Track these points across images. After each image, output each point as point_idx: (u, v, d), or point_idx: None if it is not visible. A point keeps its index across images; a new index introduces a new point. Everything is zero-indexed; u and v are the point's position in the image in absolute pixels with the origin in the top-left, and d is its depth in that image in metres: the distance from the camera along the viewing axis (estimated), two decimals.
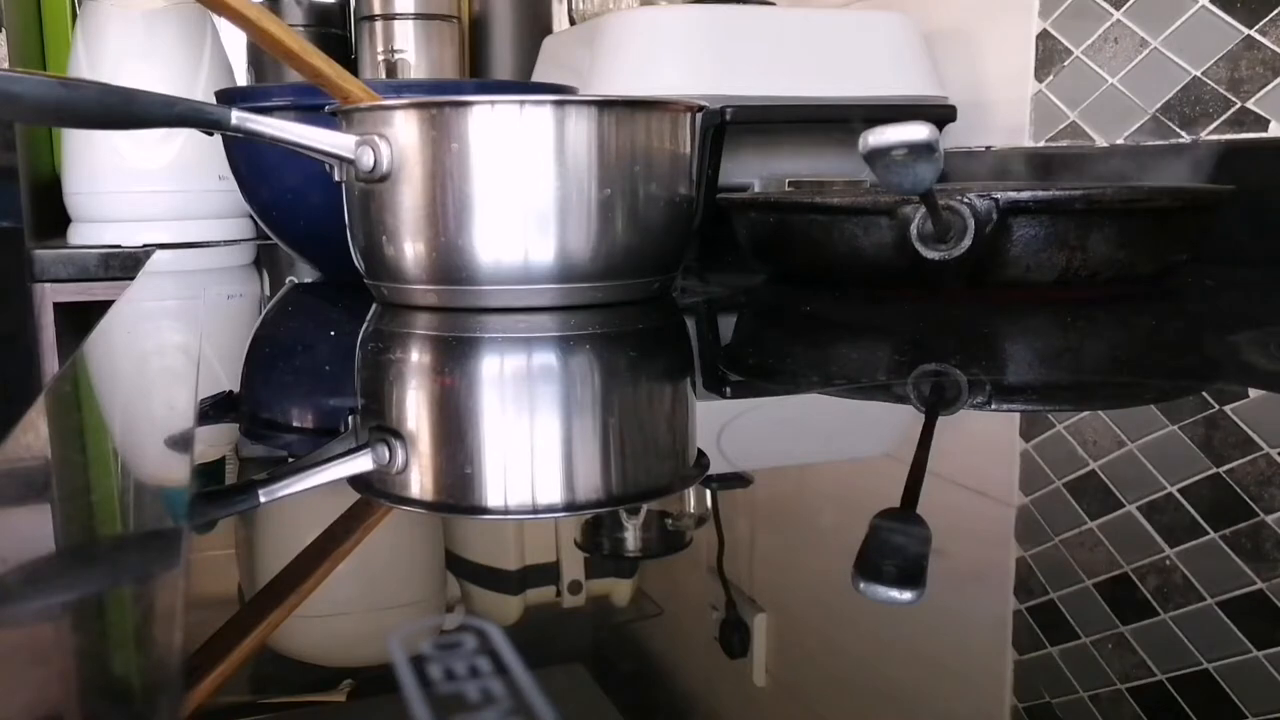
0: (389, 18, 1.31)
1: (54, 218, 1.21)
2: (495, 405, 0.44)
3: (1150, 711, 0.18)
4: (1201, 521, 0.27)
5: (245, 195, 0.84)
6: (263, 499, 0.31)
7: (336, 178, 0.64)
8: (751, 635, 0.22)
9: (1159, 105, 0.88)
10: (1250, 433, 0.36)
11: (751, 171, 0.97)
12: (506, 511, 0.31)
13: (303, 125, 0.62)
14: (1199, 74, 0.84)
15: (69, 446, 0.37)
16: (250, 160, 0.81)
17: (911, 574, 0.25)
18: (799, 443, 0.39)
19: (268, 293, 0.84)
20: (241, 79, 1.35)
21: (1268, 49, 0.79)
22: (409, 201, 0.61)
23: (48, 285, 1.09)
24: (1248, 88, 0.81)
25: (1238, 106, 0.81)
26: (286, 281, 0.88)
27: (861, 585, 0.24)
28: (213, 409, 0.43)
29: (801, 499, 0.33)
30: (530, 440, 0.39)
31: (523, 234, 0.61)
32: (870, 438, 0.40)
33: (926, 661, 0.21)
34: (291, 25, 1.21)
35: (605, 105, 0.62)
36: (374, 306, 0.67)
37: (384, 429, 0.39)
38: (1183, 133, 0.86)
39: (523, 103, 0.61)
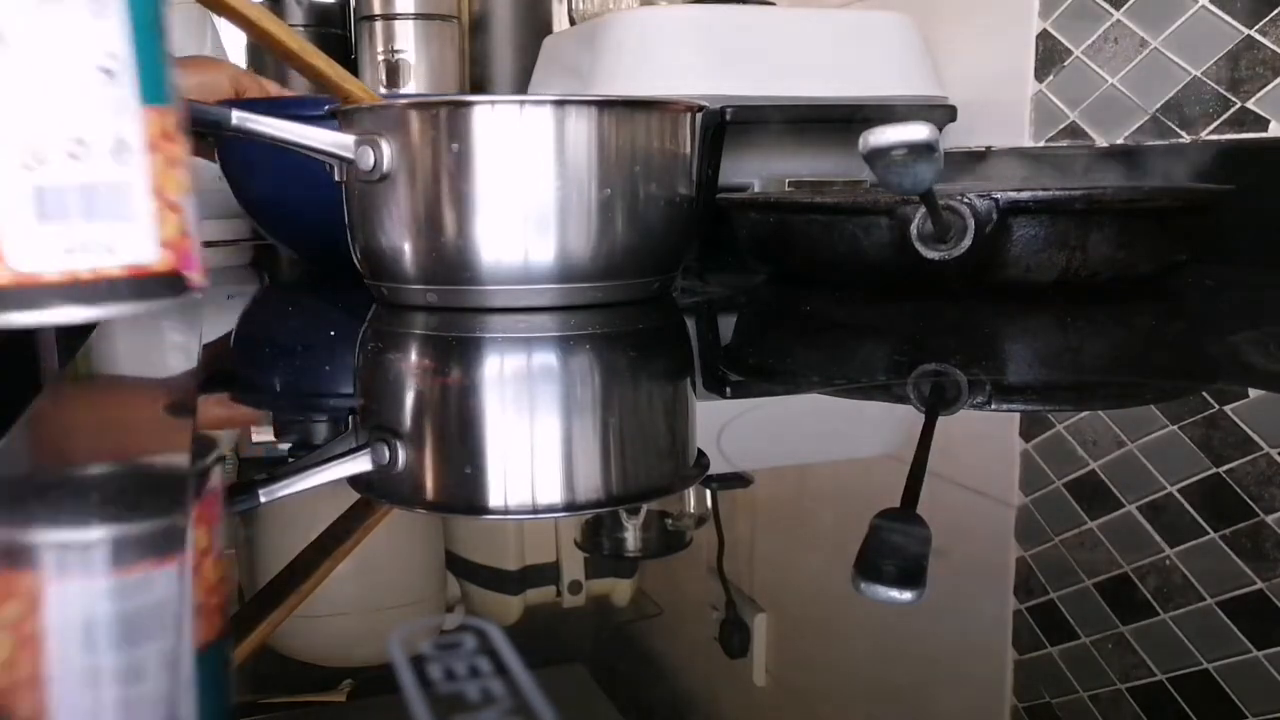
0: (389, 18, 1.31)
1: None
2: (495, 405, 0.44)
3: (1150, 711, 0.18)
4: (1201, 521, 0.27)
5: (236, 195, 0.84)
6: (263, 499, 0.31)
7: (336, 178, 0.64)
8: (751, 635, 0.22)
9: (1159, 105, 0.88)
10: (1250, 433, 0.36)
11: (751, 171, 0.96)
12: (506, 511, 0.31)
13: (303, 125, 0.62)
14: (1199, 74, 0.84)
15: (69, 446, 0.37)
16: (243, 161, 0.81)
17: (911, 574, 0.25)
18: (799, 443, 0.39)
19: None
20: None
21: (1268, 49, 0.79)
22: (409, 201, 0.61)
23: None
24: (1248, 88, 0.81)
25: (1238, 106, 0.81)
26: (286, 281, 0.88)
27: (861, 585, 0.24)
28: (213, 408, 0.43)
29: (801, 499, 0.33)
30: (530, 440, 0.39)
31: (523, 234, 0.61)
32: (870, 438, 0.40)
33: (926, 661, 0.21)
34: (291, 25, 1.21)
35: (605, 105, 0.62)
36: (374, 306, 0.67)
37: (384, 429, 0.39)
38: (1183, 133, 0.86)
39: (523, 103, 0.61)
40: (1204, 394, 0.43)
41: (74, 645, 0.19)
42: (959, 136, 1.03)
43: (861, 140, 0.52)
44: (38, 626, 0.20)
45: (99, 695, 0.18)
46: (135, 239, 0.29)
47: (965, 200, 0.58)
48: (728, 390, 0.47)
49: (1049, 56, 0.98)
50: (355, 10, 1.35)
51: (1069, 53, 0.96)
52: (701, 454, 0.37)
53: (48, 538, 0.25)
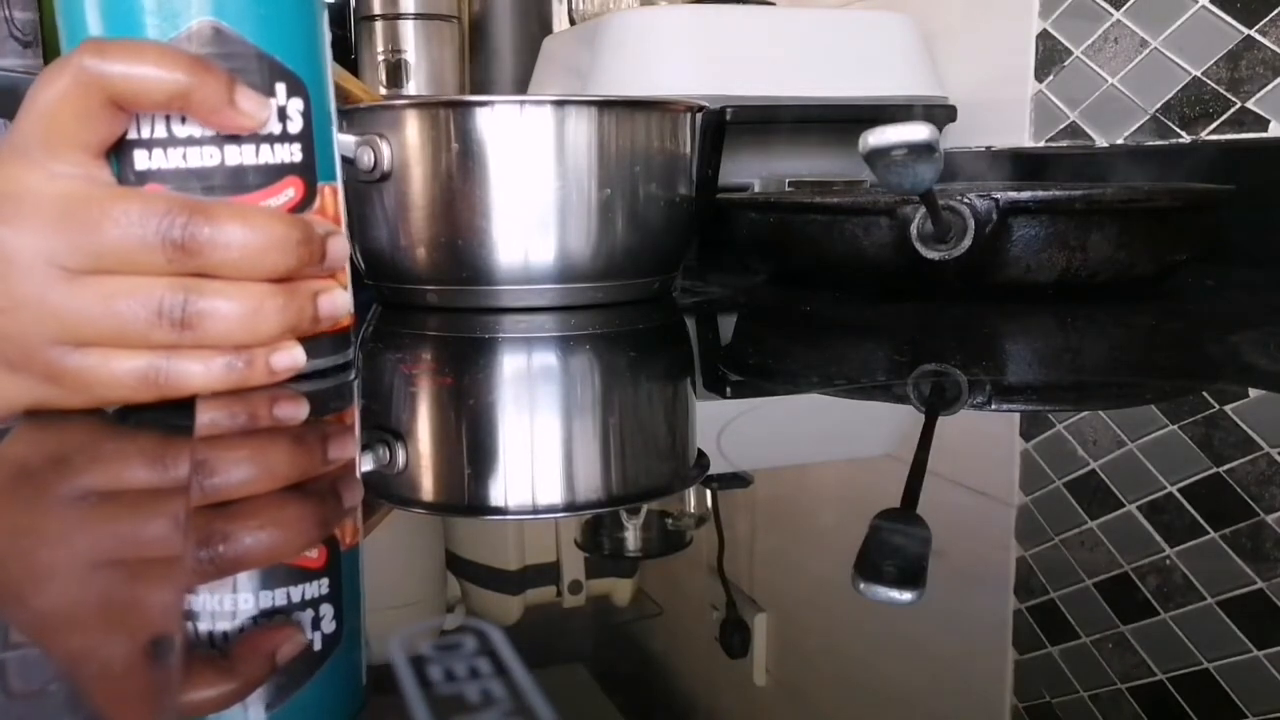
0: (389, 18, 1.31)
1: None
2: (495, 405, 0.44)
3: (1150, 711, 0.18)
4: (1201, 521, 0.27)
5: None
6: None
7: None
8: (751, 635, 0.22)
9: (1159, 105, 0.88)
10: (1250, 433, 0.36)
11: (751, 171, 0.97)
12: (506, 511, 0.31)
13: None
14: (1199, 74, 0.84)
15: (69, 445, 0.37)
16: None
17: (911, 574, 0.25)
18: (799, 443, 0.39)
19: None
20: None
21: (1268, 49, 0.79)
22: (409, 201, 0.61)
23: None
24: (1248, 88, 0.81)
25: (1238, 106, 0.81)
26: None
27: (861, 585, 0.24)
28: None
29: (801, 499, 0.33)
30: (530, 440, 0.39)
31: (523, 234, 0.61)
32: (870, 438, 0.40)
33: (926, 661, 0.21)
34: None
35: (605, 105, 0.62)
36: (374, 306, 0.67)
37: (384, 429, 0.39)
38: (1183, 133, 0.86)
39: (523, 103, 0.61)
40: (1204, 394, 0.43)
41: None
42: (959, 136, 1.03)
43: (861, 140, 0.52)
44: None
45: None
46: None
47: (965, 200, 0.58)
48: (728, 390, 0.47)
49: (1049, 56, 0.98)
50: (356, 10, 1.35)
51: (1069, 53, 0.96)
52: (701, 454, 0.37)
53: None
